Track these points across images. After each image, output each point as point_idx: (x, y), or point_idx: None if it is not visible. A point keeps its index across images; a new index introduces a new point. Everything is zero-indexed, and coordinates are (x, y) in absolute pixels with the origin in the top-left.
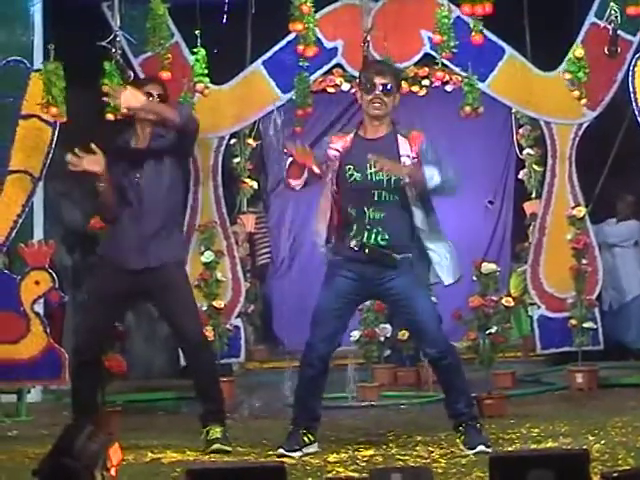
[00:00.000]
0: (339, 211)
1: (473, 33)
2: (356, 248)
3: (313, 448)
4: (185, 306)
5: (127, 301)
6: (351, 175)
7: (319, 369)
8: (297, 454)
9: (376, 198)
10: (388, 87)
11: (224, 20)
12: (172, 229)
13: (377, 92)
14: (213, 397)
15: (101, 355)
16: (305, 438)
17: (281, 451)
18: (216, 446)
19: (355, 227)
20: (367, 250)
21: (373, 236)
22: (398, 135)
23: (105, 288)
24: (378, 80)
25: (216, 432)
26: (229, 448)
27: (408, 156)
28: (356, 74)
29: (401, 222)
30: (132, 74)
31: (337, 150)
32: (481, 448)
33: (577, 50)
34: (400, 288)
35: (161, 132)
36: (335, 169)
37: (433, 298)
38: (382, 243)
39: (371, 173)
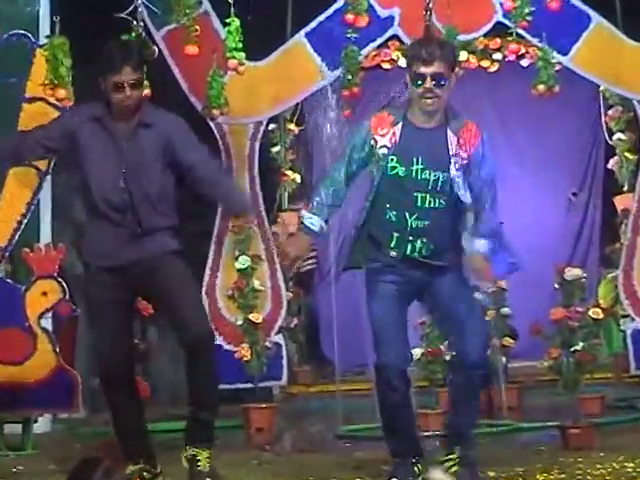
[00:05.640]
0: (374, 209)
1: None
2: (398, 258)
3: None
4: (186, 290)
5: (129, 301)
6: (393, 168)
7: (402, 391)
8: None
9: (419, 203)
10: (441, 80)
11: None
12: (166, 231)
13: (427, 85)
14: (210, 407)
15: (131, 373)
16: (415, 469)
17: None
18: None
19: (396, 237)
20: (409, 260)
21: (417, 247)
22: (448, 130)
23: (101, 293)
24: (427, 71)
25: (204, 460)
26: None
27: (457, 155)
28: None
29: (448, 228)
30: (156, 49)
31: (386, 147)
32: None
33: None
34: (443, 292)
35: (146, 120)
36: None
37: (507, 309)
38: (426, 254)
39: (417, 170)
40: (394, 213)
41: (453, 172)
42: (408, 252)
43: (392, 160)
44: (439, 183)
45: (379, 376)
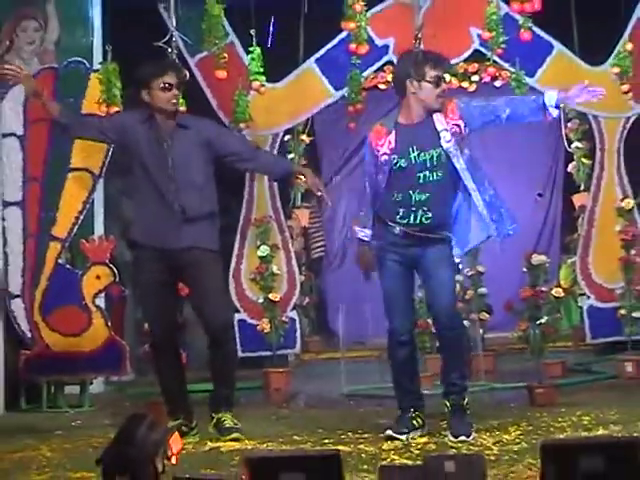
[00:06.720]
0: (382, 197)
1: (522, 30)
2: (400, 235)
3: (419, 432)
4: (211, 289)
5: (173, 282)
6: (396, 163)
7: (409, 348)
8: (404, 436)
9: (421, 181)
10: (446, 80)
11: (277, 20)
12: (207, 220)
13: (445, 87)
14: (228, 383)
15: (175, 341)
16: (414, 422)
17: (389, 433)
18: (235, 435)
19: (401, 211)
20: (409, 235)
21: (419, 216)
22: (433, 114)
23: (149, 276)
24: (442, 74)
25: (228, 419)
26: (242, 436)
27: (446, 129)
28: None
29: (445, 200)
30: (188, 74)
31: (386, 154)
32: (462, 439)
33: (626, 44)
34: (429, 260)
35: (183, 122)
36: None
37: (483, 289)
38: (426, 222)
39: (414, 156)
40: (400, 195)
41: (445, 144)
42: (411, 221)
43: (394, 158)
44: (434, 159)
45: (390, 338)
